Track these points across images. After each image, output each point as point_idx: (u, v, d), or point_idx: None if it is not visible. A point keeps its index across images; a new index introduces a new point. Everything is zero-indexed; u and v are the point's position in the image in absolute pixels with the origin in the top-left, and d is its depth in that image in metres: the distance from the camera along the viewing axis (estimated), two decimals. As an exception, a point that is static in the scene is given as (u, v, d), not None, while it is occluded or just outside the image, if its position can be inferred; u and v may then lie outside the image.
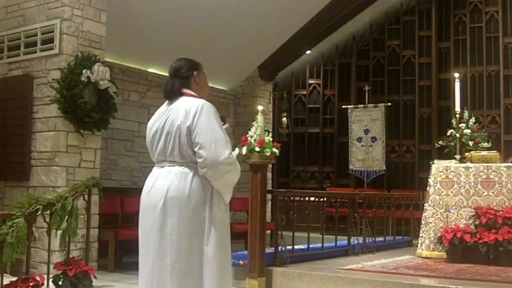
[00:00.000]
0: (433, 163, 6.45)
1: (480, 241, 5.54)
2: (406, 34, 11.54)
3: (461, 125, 6.71)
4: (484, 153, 6.31)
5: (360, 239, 6.59)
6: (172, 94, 2.94)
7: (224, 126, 2.91)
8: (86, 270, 5.09)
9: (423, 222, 6.28)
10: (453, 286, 4.34)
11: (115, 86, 6.38)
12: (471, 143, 6.66)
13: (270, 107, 11.11)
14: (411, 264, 5.64)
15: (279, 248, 5.37)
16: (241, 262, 5.21)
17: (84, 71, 6.05)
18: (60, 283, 4.99)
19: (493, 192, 5.94)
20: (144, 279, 2.83)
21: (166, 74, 3.11)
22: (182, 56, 3.10)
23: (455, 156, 6.46)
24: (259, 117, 4.95)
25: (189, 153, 2.81)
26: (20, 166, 6.28)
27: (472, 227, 5.81)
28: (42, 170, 6.15)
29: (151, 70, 9.01)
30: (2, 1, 6.68)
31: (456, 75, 6.89)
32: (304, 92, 12.31)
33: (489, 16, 10.78)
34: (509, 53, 10.47)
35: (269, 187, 9.58)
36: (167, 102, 2.97)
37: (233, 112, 10.84)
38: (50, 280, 4.93)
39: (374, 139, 11.13)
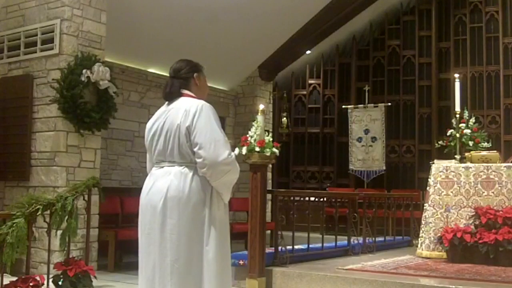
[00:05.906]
0: (433, 163, 6.45)
1: (480, 241, 5.54)
2: (406, 34, 11.53)
3: (461, 125, 6.71)
4: (484, 153, 6.31)
5: (360, 239, 6.59)
6: (170, 95, 2.95)
7: None
8: (86, 270, 5.09)
9: (423, 222, 6.28)
10: (453, 286, 4.35)
11: (115, 86, 6.38)
12: (471, 143, 6.66)
13: (270, 107, 11.10)
14: (411, 264, 5.64)
15: (279, 248, 5.37)
16: (241, 262, 5.21)
17: (84, 71, 6.05)
18: (60, 283, 4.99)
19: (493, 192, 5.94)
20: (144, 280, 2.83)
21: (166, 74, 3.11)
22: (182, 56, 3.10)
23: (455, 156, 6.46)
24: (259, 117, 4.94)
25: (188, 153, 2.81)
26: (20, 166, 6.28)
27: (472, 227, 5.81)
28: (42, 170, 6.15)
29: (151, 70, 9.00)
30: (2, 1, 6.68)
31: (456, 75, 6.89)
32: (304, 92, 12.30)
33: (489, 16, 10.77)
34: (509, 53, 10.47)
35: (269, 187, 9.57)
36: (166, 102, 2.98)
37: (233, 112, 10.83)
38: (50, 280, 4.93)
39: (374, 139, 11.12)
